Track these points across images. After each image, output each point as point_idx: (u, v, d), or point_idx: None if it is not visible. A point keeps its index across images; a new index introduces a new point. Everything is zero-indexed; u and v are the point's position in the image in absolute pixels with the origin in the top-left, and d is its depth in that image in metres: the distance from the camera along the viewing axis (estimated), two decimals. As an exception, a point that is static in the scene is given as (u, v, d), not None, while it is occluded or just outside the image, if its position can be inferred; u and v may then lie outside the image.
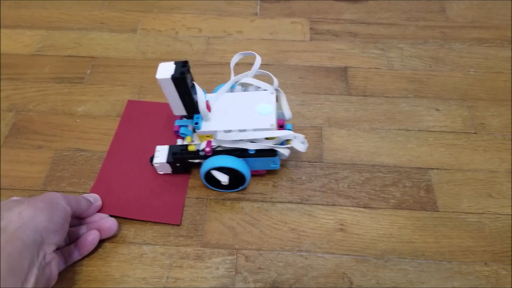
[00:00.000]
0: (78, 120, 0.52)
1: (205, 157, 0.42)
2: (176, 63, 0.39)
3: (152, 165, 0.45)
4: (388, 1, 0.66)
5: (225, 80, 0.55)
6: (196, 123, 0.42)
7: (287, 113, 0.44)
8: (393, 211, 0.43)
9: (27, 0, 0.67)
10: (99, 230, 0.41)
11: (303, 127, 0.51)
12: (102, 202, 0.44)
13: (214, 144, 0.42)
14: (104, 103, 0.54)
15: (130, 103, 0.54)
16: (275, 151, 0.42)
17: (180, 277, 0.40)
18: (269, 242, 0.42)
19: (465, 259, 0.40)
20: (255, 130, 0.41)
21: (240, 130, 0.41)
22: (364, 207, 0.44)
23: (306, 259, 0.41)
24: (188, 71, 0.39)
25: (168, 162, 0.44)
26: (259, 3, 0.67)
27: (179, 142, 0.45)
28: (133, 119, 0.52)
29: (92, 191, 0.45)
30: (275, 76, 0.44)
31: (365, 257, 0.41)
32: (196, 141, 0.44)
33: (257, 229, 0.43)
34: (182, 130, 0.44)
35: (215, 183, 0.44)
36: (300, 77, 0.56)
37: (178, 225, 0.43)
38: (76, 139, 0.50)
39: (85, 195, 0.43)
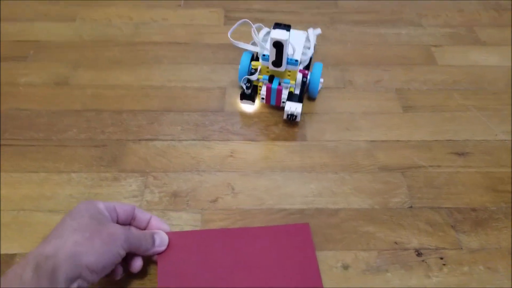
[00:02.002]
0: (21, 88, 0.69)
1: None
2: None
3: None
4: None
5: (150, 55, 0.74)
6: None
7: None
8: (271, 141, 0.62)
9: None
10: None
11: (211, 88, 0.69)
12: None
13: None
14: (44, 75, 0.71)
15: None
16: None
17: (100, 192, 0.56)
18: (173, 167, 0.59)
19: (321, 170, 0.59)
20: None
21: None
22: (251, 140, 0.62)
23: (201, 176, 0.58)
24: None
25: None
26: (183, -3, 0.87)
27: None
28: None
29: None
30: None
31: (247, 173, 0.58)
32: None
33: (165, 158, 0.60)
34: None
35: None
36: (212, 52, 0.75)
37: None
38: (19, 102, 0.67)
39: (157, 231, 0.47)
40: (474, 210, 0.54)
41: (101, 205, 0.43)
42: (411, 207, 0.55)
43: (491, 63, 0.74)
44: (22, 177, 0.57)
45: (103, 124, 0.64)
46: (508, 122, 0.65)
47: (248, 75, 0.64)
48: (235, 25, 0.64)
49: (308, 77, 0.64)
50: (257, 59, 0.66)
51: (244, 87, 0.63)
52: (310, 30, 0.69)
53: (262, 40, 0.66)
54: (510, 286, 0.47)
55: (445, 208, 0.54)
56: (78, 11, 0.83)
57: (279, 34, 0.56)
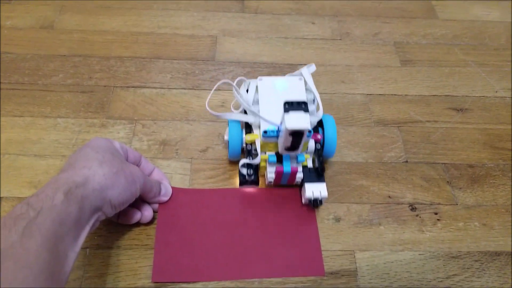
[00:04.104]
0: (5, 31, 0.61)
1: None
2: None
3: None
4: None
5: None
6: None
7: None
8: (264, 92, 0.55)
9: None
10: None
11: (201, 36, 0.62)
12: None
13: None
14: (30, 18, 0.63)
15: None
16: None
17: (87, 138, 0.50)
18: (162, 115, 0.53)
19: (315, 123, 0.53)
20: None
21: None
22: (243, 90, 0.56)
23: (191, 125, 0.52)
24: None
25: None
26: None
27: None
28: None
29: None
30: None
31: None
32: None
33: (154, 106, 0.54)
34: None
35: None
36: (204, -1, 0.68)
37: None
38: (3, 45, 0.59)
39: (164, 183, 0.45)
40: (471, 166, 0.50)
41: (117, 144, 0.41)
42: (406, 161, 0.50)
43: (493, 19, 0.67)
44: (6, 121, 0.51)
45: (91, 70, 0.57)
46: (508, 78, 0.59)
47: (242, 150, 0.46)
48: (212, 89, 0.46)
49: (322, 140, 0.45)
50: (248, 126, 0.46)
51: (245, 172, 0.44)
52: (304, 71, 0.46)
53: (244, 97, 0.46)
54: (505, 243, 0.44)
55: (441, 163, 0.50)
56: (67, -47, 0.74)
57: (297, 122, 0.36)
